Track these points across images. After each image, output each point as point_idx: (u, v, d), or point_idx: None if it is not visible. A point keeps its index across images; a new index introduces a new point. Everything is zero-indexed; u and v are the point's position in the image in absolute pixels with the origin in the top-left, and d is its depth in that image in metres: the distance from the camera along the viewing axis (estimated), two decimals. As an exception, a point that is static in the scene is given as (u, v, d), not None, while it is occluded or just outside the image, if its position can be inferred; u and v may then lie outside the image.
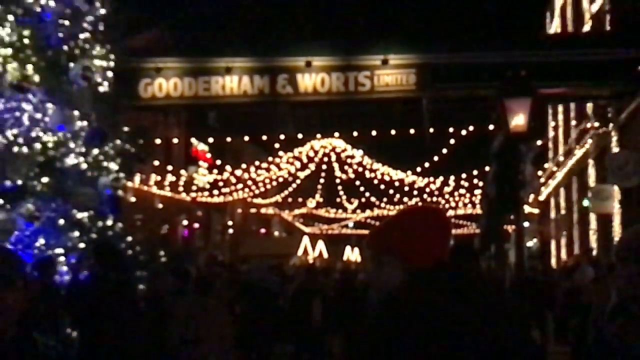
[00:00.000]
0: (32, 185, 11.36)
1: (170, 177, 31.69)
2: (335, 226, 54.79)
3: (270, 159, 34.42)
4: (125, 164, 13.27)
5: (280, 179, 36.62)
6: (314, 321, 14.05)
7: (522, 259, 14.21)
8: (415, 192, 37.84)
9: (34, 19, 11.84)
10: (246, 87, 19.10)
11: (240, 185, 36.12)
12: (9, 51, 11.41)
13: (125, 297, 9.22)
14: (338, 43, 20.18)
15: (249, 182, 35.64)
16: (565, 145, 31.61)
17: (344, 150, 33.76)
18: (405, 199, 38.55)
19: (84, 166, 12.25)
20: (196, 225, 42.39)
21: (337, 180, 39.26)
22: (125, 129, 13.45)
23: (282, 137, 28.18)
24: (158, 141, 27.23)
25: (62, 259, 11.41)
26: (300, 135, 29.76)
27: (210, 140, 35.57)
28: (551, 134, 35.74)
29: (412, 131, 23.00)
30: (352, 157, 34.51)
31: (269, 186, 37.50)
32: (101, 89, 12.86)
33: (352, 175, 37.01)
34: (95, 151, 12.52)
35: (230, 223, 47.52)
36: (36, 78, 11.58)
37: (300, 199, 45.40)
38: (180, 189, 33.62)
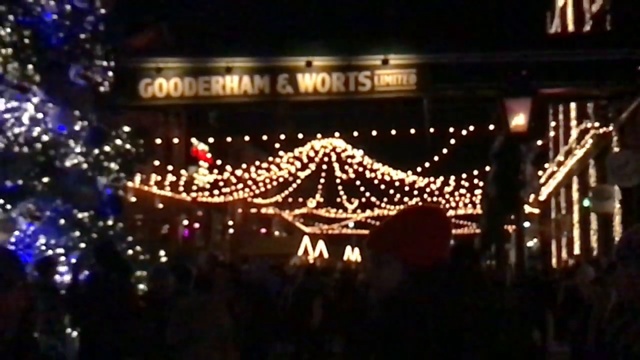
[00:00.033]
0: (32, 185, 11.38)
1: (170, 177, 31.68)
2: (336, 226, 54.80)
3: (270, 158, 34.42)
4: (126, 164, 13.28)
5: (281, 179, 36.62)
6: (314, 321, 14.05)
7: (523, 259, 14.20)
8: (415, 192, 37.83)
9: (35, 19, 11.85)
10: (246, 87, 19.09)
11: (240, 185, 36.12)
12: (9, 51, 11.42)
13: (125, 297, 9.23)
14: (338, 43, 20.17)
15: (250, 182, 35.63)
16: (565, 145, 31.61)
17: (345, 150, 33.75)
18: (406, 199, 38.55)
19: (85, 166, 12.27)
20: (196, 225, 42.40)
21: (338, 180, 39.25)
22: (126, 129, 13.46)
23: (282, 137, 28.18)
24: (158, 141, 27.25)
25: (62, 258, 11.42)
26: (300, 135, 29.77)
27: (211, 140, 35.59)
28: (552, 134, 35.73)
29: (412, 131, 22.99)
30: (353, 157, 34.50)
31: (269, 186, 37.50)
32: (101, 89, 12.88)
33: (352, 175, 37.01)
34: (96, 151, 12.54)
35: (230, 223, 47.54)
36: (37, 78, 11.60)
37: (300, 199, 45.40)
38: (181, 189, 33.62)
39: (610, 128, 22.11)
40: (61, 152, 11.93)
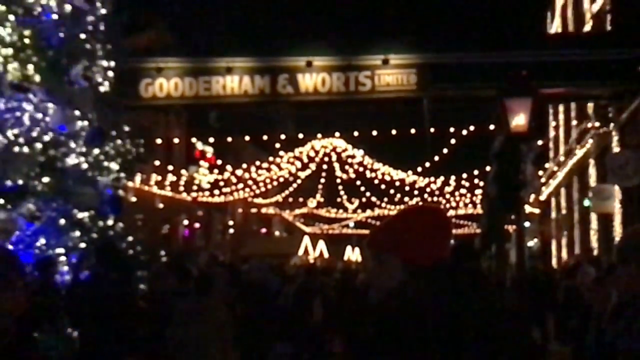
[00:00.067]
0: (33, 185, 11.37)
1: (171, 177, 31.69)
2: (336, 226, 54.79)
3: (270, 158, 34.41)
4: (126, 163, 13.28)
5: (281, 179, 36.62)
6: (315, 321, 14.05)
7: (523, 259, 14.21)
8: (416, 192, 37.83)
9: (35, 19, 11.84)
10: (247, 87, 19.11)
11: (241, 185, 36.12)
12: (9, 51, 11.42)
13: (125, 297, 9.23)
14: (339, 43, 20.20)
15: (250, 182, 35.63)
16: (566, 145, 31.62)
17: (345, 150, 33.75)
18: (406, 199, 38.53)
19: (85, 166, 12.26)
20: (197, 225, 42.41)
21: (338, 180, 39.26)
22: (126, 128, 13.46)
23: (282, 136, 28.22)
24: (159, 141, 27.28)
25: (62, 258, 11.42)
26: (300, 135, 29.79)
27: (211, 140, 35.59)
28: (552, 133, 35.75)
29: (412, 131, 23.01)
30: (353, 156, 34.51)
31: (269, 186, 37.50)
32: (102, 88, 12.88)
33: (352, 175, 37.01)
34: (96, 151, 12.53)
35: (231, 223, 47.55)
36: (37, 78, 11.59)
37: (301, 199, 45.39)
38: (181, 188, 33.63)
39: (611, 128, 22.11)
40: (61, 152, 11.92)
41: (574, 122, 29.12)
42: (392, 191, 39.05)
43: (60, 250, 11.44)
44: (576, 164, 28.14)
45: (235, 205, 44.82)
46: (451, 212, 40.58)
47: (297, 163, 34.07)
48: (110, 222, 12.68)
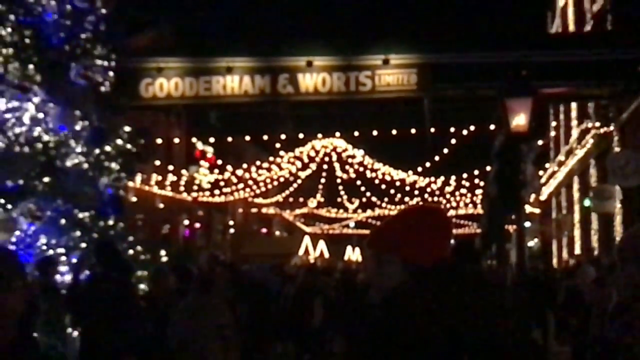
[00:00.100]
0: (33, 184, 11.39)
1: (171, 177, 31.70)
2: (336, 226, 54.79)
3: (271, 158, 34.41)
4: (127, 163, 13.30)
5: (281, 179, 36.61)
6: (315, 321, 14.06)
7: (524, 259, 14.20)
8: (416, 192, 37.82)
9: (36, 19, 11.85)
10: (247, 87, 19.12)
11: (241, 185, 36.12)
12: (10, 51, 11.43)
13: (126, 296, 9.23)
14: (339, 43, 20.20)
15: (250, 182, 35.63)
16: (566, 145, 31.62)
17: (345, 150, 33.74)
18: (407, 199, 38.53)
19: (85, 166, 12.28)
20: (197, 225, 42.41)
21: (338, 180, 39.24)
22: (127, 128, 13.47)
23: (283, 136, 28.19)
24: (159, 141, 27.23)
25: (63, 258, 11.43)
26: (301, 135, 29.77)
27: (212, 140, 35.59)
28: (552, 133, 35.76)
29: (413, 131, 23.01)
30: (353, 156, 34.49)
31: (270, 186, 37.50)
32: (102, 88, 12.90)
33: (353, 175, 37.00)
34: (97, 151, 12.55)
35: (231, 223, 47.55)
36: (37, 78, 11.61)
37: (301, 199, 45.39)
38: (182, 188, 33.63)
39: (611, 128, 22.12)
40: (62, 152, 11.94)
41: (575, 122, 29.13)
42: (392, 191, 39.05)
43: (61, 250, 11.46)
44: (577, 164, 28.15)
45: (235, 205, 44.83)
46: (451, 212, 40.58)
47: (298, 163, 34.07)
48: (110, 222, 12.70)
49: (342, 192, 43.14)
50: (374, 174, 36.21)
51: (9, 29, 11.51)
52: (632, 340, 3.31)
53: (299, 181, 37.87)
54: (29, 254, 11.02)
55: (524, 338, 3.12)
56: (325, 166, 35.64)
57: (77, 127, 12.23)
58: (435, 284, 2.94)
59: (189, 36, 31.96)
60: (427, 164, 30.73)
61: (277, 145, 31.72)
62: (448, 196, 38.55)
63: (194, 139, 35.53)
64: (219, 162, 34.97)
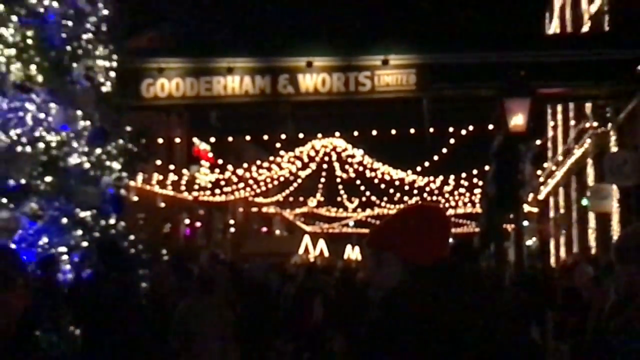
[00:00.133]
0: (35, 184, 11.43)
1: (172, 177, 31.75)
2: (336, 225, 54.81)
3: (271, 158, 34.47)
4: (128, 163, 13.34)
5: (282, 178, 36.67)
6: (315, 320, 14.11)
7: (522, 258, 14.28)
8: (415, 191, 37.88)
9: (38, 19, 11.90)
10: (248, 87, 19.15)
11: (241, 185, 36.17)
12: (12, 51, 11.47)
13: (127, 295, 9.28)
14: (339, 43, 20.21)
15: (251, 182, 35.69)
16: (564, 145, 31.66)
17: (345, 150, 33.81)
18: (406, 198, 38.58)
19: (87, 165, 12.32)
20: (198, 224, 42.45)
21: (338, 180, 39.30)
22: (128, 128, 13.52)
23: (283, 136, 28.22)
24: (160, 141, 27.28)
25: (65, 257, 11.48)
26: (301, 135, 29.79)
27: (212, 139, 35.64)
28: (550, 133, 35.78)
29: (412, 131, 23.05)
30: (353, 156, 34.56)
31: (270, 185, 37.55)
32: (104, 89, 12.94)
33: (352, 175, 37.07)
34: (98, 150, 12.59)
35: (231, 222, 47.57)
36: (39, 78, 11.64)
37: (301, 198, 45.43)
38: (183, 188, 33.68)
39: (609, 128, 22.16)
40: (64, 152, 11.98)
41: (572, 122, 29.16)
42: (391, 190, 39.12)
43: (63, 249, 11.50)
44: (574, 164, 28.19)
45: (236, 204, 44.86)
46: (450, 211, 40.65)
47: (298, 162, 34.13)
48: (112, 221, 12.74)
49: (341, 192, 43.20)
50: (373, 174, 36.28)
51: (11, 30, 11.54)
52: (630, 338, 3.36)
53: (299, 180, 37.93)
54: (31, 253, 11.06)
55: (522, 337, 3.16)
56: (325, 166, 35.71)
57: (79, 127, 12.27)
58: (434, 283, 2.96)
59: (190, 37, 32.06)
60: (426, 164, 30.82)
61: (278, 145, 31.77)
62: (447, 195, 38.63)
63: (195, 139, 35.59)
64: (220, 161, 35.02)
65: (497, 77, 14.83)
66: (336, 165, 35.77)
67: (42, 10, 11.95)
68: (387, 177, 36.72)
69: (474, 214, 44.04)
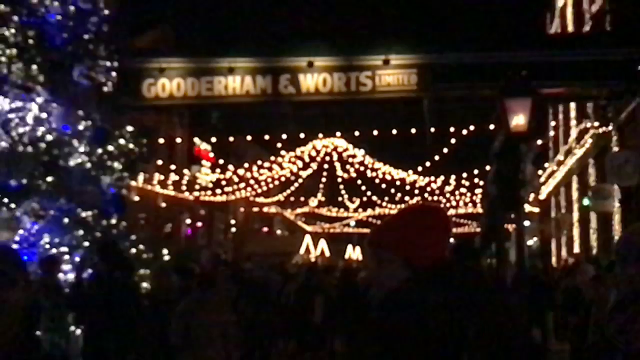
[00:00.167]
0: (36, 184, 11.46)
1: (173, 176, 31.74)
2: (337, 225, 54.77)
3: (272, 158, 34.44)
4: (129, 163, 13.36)
5: (283, 178, 36.64)
6: (316, 319, 14.11)
7: (523, 258, 14.24)
8: (416, 191, 37.85)
9: (39, 19, 11.92)
10: (249, 87, 19.14)
11: (242, 185, 36.16)
12: (14, 51, 11.50)
13: (128, 295, 9.30)
14: (340, 43, 20.21)
15: (252, 181, 35.66)
16: (565, 145, 31.65)
17: (346, 150, 33.78)
18: (407, 198, 38.56)
19: (88, 165, 12.35)
20: (199, 224, 42.43)
21: (339, 180, 39.29)
22: (129, 128, 13.54)
23: (284, 136, 28.22)
24: (161, 141, 27.30)
25: (66, 257, 11.50)
26: (302, 135, 29.80)
27: (213, 139, 35.63)
28: (551, 133, 35.77)
29: (413, 131, 23.05)
30: (354, 156, 34.54)
31: (271, 185, 37.52)
32: (105, 89, 12.96)
33: (353, 175, 37.04)
34: (99, 150, 12.61)
35: (233, 222, 47.55)
36: (41, 78, 11.67)
37: (302, 198, 45.41)
38: (184, 188, 33.68)
39: (610, 128, 22.16)
40: (65, 152, 12.00)
41: (574, 122, 29.16)
42: (392, 190, 39.09)
43: (64, 248, 11.52)
44: (575, 164, 28.19)
45: (237, 204, 44.81)
46: (451, 211, 40.62)
47: (299, 162, 34.10)
48: (113, 221, 12.76)
49: (342, 192, 43.16)
50: (374, 174, 36.26)
51: (13, 30, 11.58)
52: (631, 338, 3.35)
53: (300, 180, 37.92)
54: (32, 253, 11.08)
55: (523, 337, 3.16)
56: (326, 165, 35.69)
57: (80, 127, 12.30)
58: (435, 282, 2.97)
59: (190, 37, 32.06)
60: (427, 164, 30.79)
61: (279, 144, 31.75)
62: (448, 195, 38.58)
63: (196, 139, 35.59)
64: (221, 161, 35.02)
65: (498, 77, 14.80)
66: (337, 165, 35.75)
67: (43, 10, 11.98)
68: (388, 177, 36.70)
69: (475, 214, 43.99)
